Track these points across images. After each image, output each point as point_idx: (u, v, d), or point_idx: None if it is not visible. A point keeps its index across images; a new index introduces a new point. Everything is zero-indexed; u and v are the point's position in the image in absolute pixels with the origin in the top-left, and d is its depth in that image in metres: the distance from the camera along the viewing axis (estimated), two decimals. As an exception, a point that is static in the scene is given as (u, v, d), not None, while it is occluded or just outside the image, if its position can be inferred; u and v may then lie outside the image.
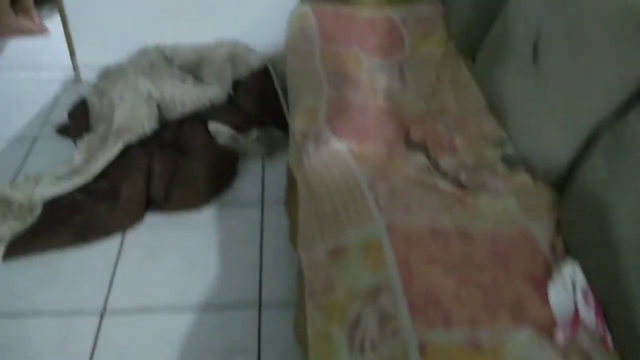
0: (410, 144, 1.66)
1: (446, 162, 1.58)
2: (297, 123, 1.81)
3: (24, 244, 1.94)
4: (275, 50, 2.58)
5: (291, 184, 1.80)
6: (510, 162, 1.57)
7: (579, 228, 1.33)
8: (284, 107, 2.37)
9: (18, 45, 3.15)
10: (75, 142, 2.36)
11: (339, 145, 1.63)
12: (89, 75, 2.73)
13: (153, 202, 2.07)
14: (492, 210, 1.42)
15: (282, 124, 2.31)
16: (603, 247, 1.22)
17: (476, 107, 1.81)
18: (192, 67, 2.57)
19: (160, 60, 2.56)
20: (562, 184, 1.46)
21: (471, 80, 1.94)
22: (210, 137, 2.27)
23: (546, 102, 1.53)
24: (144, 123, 2.18)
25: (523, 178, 1.52)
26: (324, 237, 1.38)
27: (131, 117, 2.17)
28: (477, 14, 2.00)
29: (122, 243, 1.99)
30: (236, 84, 2.45)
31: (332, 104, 1.80)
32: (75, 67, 2.82)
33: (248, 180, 2.26)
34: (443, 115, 1.78)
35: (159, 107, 2.28)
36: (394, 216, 1.39)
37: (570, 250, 1.32)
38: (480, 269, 1.26)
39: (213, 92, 2.38)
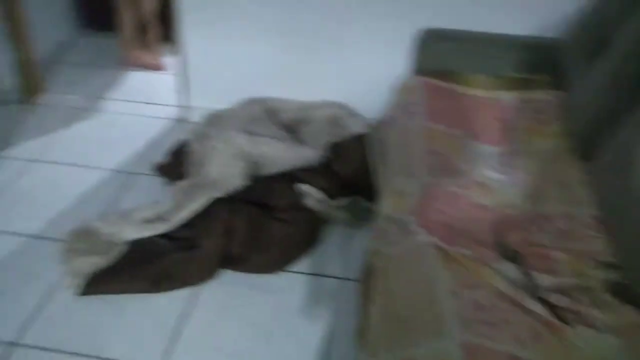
0: (504, 250, 1.52)
1: (542, 279, 1.42)
2: (384, 205, 1.72)
3: (103, 283, 1.96)
4: (380, 117, 2.51)
5: (369, 267, 1.70)
6: (618, 292, 1.38)
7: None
8: (377, 180, 2.28)
9: (136, 78, 3.29)
10: (169, 184, 2.40)
11: (425, 239, 1.51)
12: (196, 117, 2.80)
13: (230, 260, 2.04)
14: (589, 349, 1.24)
15: (374, 196, 2.22)
16: None
17: (585, 217, 1.63)
18: (294, 124, 2.56)
19: (263, 114, 2.56)
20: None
21: (583, 184, 1.76)
22: (298, 199, 2.22)
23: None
24: (234, 180, 2.17)
25: (631, 315, 1.33)
26: (391, 348, 1.26)
27: (222, 172, 2.17)
28: (600, 113, 1.82)
29: (192, 297, 1.97)
30: (334, 147, 2.39)
31: (425, 191, 1.69)
32: (184, 107, 2.90)
33: (330, 250, 2.18)
34: (546, 222, 1.61)
35: (251, 163, 2.27)
36: (474, 335, 1.25)
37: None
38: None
39: (308, 153, 2.34)
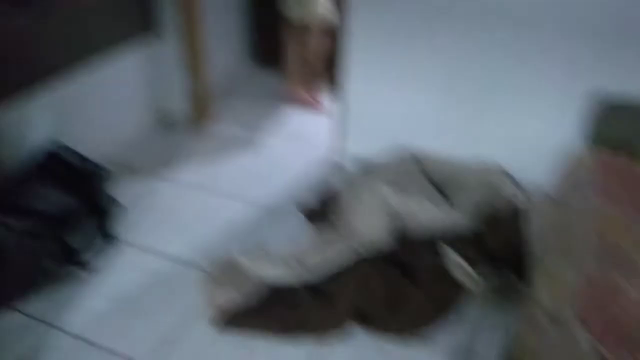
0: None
1: None
2: (537, 290, 1.55)
3: (239, 321, 1.98)
4: (539, 188, 2.32)
5: (513, 358, 1.53)
6: None
7: None
8: (531, 259, 2.09)
9: (295, 116, 3.38)
10: (313, 227, 2.40)
11: (584, 339, 1.33)
12: (349, 162, 2.79)
13: (363, 318, 1.97)
14: None
15: (524, 275, 2.03)
16: None
17: None
18: (444, 183, 2.44)
19: (414, 169, 2.48)
20: None
21: None
22: (441, 265, 2.09)
23: None
24: (377, 233, 2.10)
25: None
26: None
27: (366, 225, 2.12)
28: None
29: (321, 350, 1.91)
30: (487, 217, 2.23)
31: (589, 282, 1.50)
32: (338, 150, 2.90)
33: (467, 323, 2.02)
34: None
35: (397, 219, 2.19)
36: None
37: None
38: None
39: (456, 217, 2.20)
